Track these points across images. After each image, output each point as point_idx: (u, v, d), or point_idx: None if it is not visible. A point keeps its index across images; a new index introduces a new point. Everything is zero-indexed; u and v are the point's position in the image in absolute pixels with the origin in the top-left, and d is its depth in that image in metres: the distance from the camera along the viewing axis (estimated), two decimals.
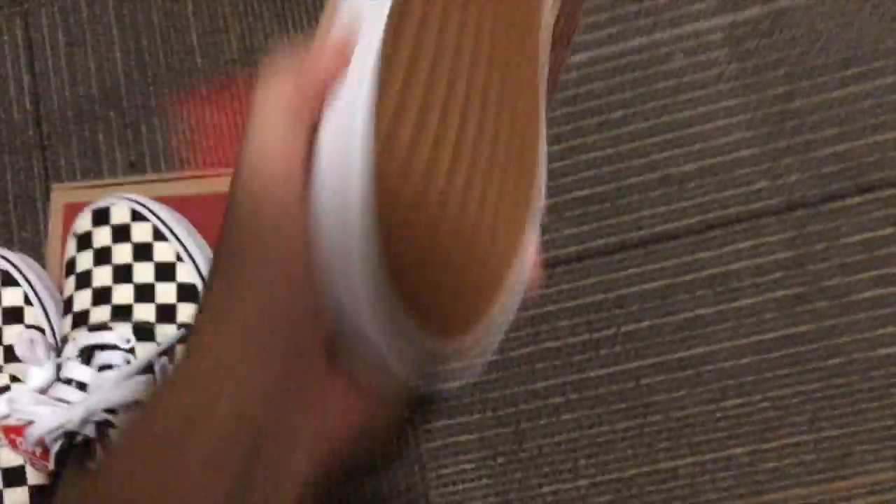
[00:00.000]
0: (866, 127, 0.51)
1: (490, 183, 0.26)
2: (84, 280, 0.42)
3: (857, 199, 0.50)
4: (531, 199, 0.29)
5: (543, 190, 0.30)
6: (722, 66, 0.53)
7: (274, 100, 0.24)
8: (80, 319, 0.41)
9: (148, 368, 0.39)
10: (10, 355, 0.42)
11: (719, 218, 0.51)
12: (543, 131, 0.31)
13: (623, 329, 0.51)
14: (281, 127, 0.24)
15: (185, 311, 0.41)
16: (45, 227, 0.60)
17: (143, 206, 0.43)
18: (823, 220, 0.50)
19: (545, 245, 0.52)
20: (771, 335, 0.49)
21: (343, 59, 0.24)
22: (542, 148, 0.30)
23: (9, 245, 0.61)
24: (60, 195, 0.47)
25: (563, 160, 0.54)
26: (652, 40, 0.54)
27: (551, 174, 0.54)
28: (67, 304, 0.42)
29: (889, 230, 0.50)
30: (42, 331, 0.43)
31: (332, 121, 0.24)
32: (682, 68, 0.53)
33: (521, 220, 0.29)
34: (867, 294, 0.49)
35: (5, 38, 0.64)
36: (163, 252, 0.42)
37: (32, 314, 0.43)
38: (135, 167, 0.59)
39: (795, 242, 0.50)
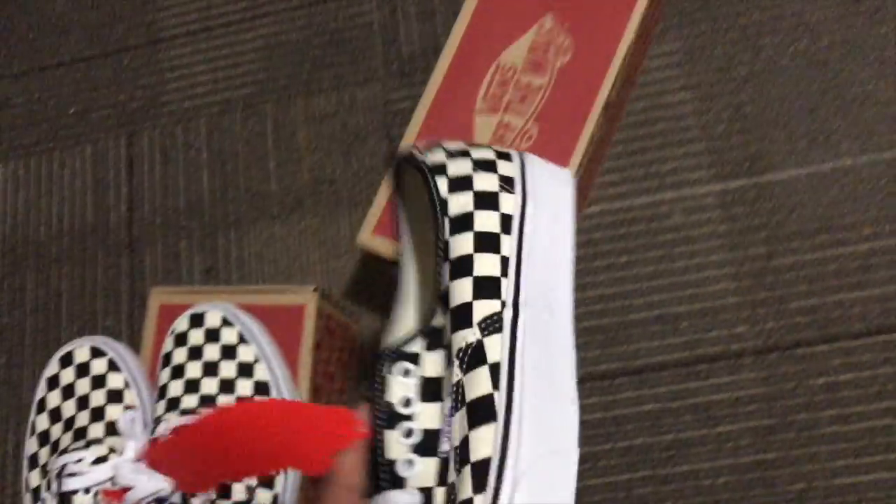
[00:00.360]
0: (832, 286, 0.60)
1: None
2: (178, 372, 0.51)
3: (822, 347, 0.59)
4: None
5: None
6: (713, 226, 0.63)
7: None
8: (173, 405, 0.50)
9: None
10: (111, 430, 0.51)
11: (705, 354, 0.60)
12: None
13: (618, 445, 0.59)
14: None
15: None
16: (129, 317, 0.70)
17: (232, 313, 0.52)
18: (793, 363, 0.59)
19: None
20: (745, 459, 0.58)
21: None
22: None
23: (93, 330, 0.71)
24: (157, 297, 0.57)
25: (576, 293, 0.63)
26: (655, 199, 0.64)
27: None
28: (162, 390, 0.52)
29: (849, 376, 0.58)
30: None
31: None
32: (680, 225, 0.63)
33: None
34: (828, 429, 0.57)
35: (111, 152, 0.75)
36: (245, 353, 0.51)
37: (131, 396, 0.53)
38: (209, 273, 0.70)
39: (769, 381, 0.59)
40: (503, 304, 0.32)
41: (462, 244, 0.34)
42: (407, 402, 0.31)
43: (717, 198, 0.64)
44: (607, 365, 0.61)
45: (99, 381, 0.53)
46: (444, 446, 0.30)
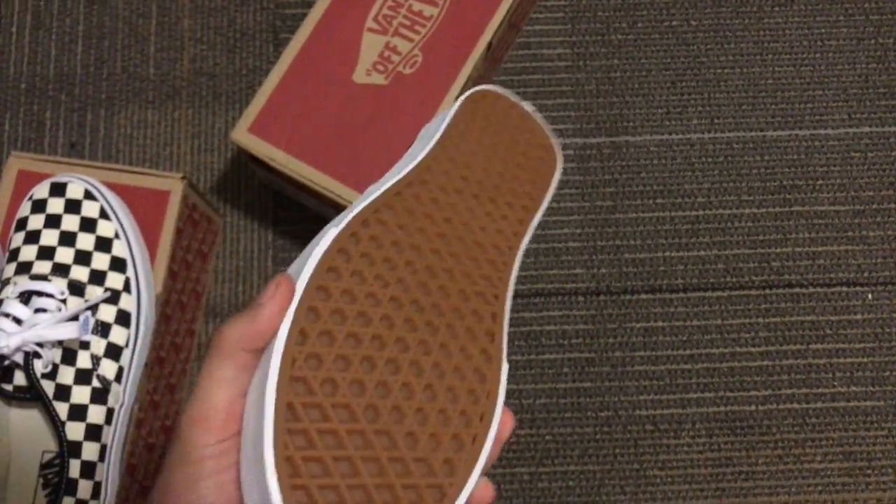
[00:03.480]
0: (662, 244, 0.67)
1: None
2: (33, 237, 0.51)
3: (645, 296, 0.66)
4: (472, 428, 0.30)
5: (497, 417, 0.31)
6: (569, 175, 0.68)
7: (226, 347, 0.29)
8: (24, 268, 0.50)
9: (74, 318, 0.49)
10: None
11: (543, 289, 0.66)
12: (501, 353, 0.32)
13: None
14: (229, 372, 0.28)
15: (113, 279, 0.51)
16: None
17: (96, 188, 0.52)
18: (618, 306, 0.66)
19: None
20: (563, 385, 0.64)
21: (278, 314, 0.28)
22: (500, 372, 0.32)
23: None
24: (17, 163, 0.56)
25: None
26: None
27: None
28: (13, 253, 0.51)
29: (663, 324, 0.66)
30: None
31: (256, 378, 0.28)
32: None
33: (459, 453, 0.29)
34: (639, 368, 0.65)
35: None
36: (104, 228, 0.52)
37: None
38: (74, 148, 0.68)
39: (594, 319, 0.66)
40: None
41: None
42: None
43: (576, 150, 0.69)
44: None
45: None
46: None
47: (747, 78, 0.71)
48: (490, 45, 0.60)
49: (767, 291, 0.67)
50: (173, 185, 0.56)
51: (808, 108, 0.71)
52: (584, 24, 0.72)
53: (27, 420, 0.49)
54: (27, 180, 0.55)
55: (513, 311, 0.65)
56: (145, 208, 0.55)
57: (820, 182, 0.69)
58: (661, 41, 0.72)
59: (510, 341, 0.65)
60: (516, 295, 0.66)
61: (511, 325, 0.65)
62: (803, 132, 0.70)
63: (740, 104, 0.71)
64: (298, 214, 0.67)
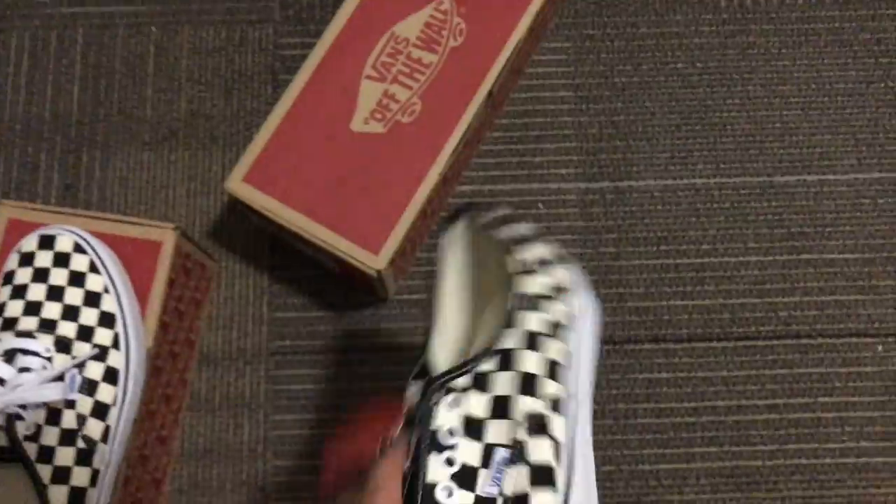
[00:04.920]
0: (666, 292, 0.66)
1: None
2: (19, 292, 0.50)
3: (649, 346, 0.65)
4: None
5: None
6: (571, 221, 0.67)
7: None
8: (9, 324, 0.49)
9: (60, 377, 0.48)
10: None
11: None
12: None
13: None
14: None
15: (102, 334, 0.50)
16: None
17: (85, 240, 0.51)
18: (621, 356, 0.64)
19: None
20: None
21: None
22: None
23: None
24: (7, 211, 0.55)
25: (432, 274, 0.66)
26: (523, 188, 0.67)
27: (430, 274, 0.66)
28: None
29: (666, 374, 0.64)
30: None
31: None
32: (542, 215, 0.67)
33: None
34: (642, 421, 0.63)
35: None
36: (93, 283, 0.50)
37: None
38: (69, 190, 0.67)
39: (597, 369, 0.64)
40: (568, 394, 0.35)
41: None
42: (451, 433, 0.33)
43: (578, 195, 0.68)
44: None
45: None
46: (491, 489, 0.32)
47: (754, 122, 0.70)
48: (491, 92, 0.59)
49: (774, 342, 0.65)
50: (165, 236, 0.55)
51: (817, 152, 0.69)
52: (588, 66, 0.70)
53: (9, 479, 0.48)
54: (17, 229, 0.54)
55: None
56: (137, 259, 0.54)
57: (829, 229, 0.67)
58: (665, 84, 0.70)
59: None
60: None
61: None
62: (811, 177, 0.69)
63: (747, 148, 0.69)
64: (294, 260, 0.65)
